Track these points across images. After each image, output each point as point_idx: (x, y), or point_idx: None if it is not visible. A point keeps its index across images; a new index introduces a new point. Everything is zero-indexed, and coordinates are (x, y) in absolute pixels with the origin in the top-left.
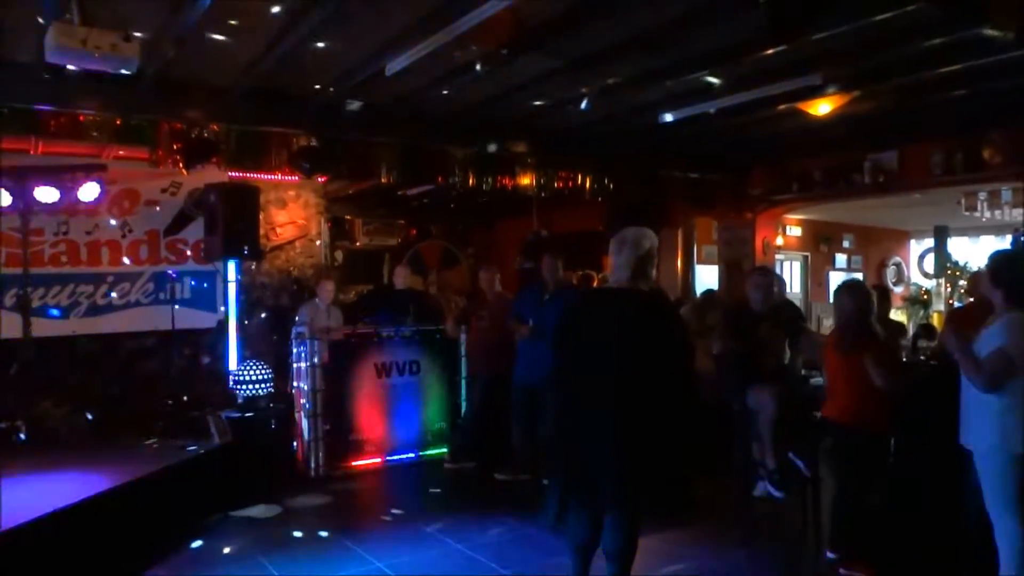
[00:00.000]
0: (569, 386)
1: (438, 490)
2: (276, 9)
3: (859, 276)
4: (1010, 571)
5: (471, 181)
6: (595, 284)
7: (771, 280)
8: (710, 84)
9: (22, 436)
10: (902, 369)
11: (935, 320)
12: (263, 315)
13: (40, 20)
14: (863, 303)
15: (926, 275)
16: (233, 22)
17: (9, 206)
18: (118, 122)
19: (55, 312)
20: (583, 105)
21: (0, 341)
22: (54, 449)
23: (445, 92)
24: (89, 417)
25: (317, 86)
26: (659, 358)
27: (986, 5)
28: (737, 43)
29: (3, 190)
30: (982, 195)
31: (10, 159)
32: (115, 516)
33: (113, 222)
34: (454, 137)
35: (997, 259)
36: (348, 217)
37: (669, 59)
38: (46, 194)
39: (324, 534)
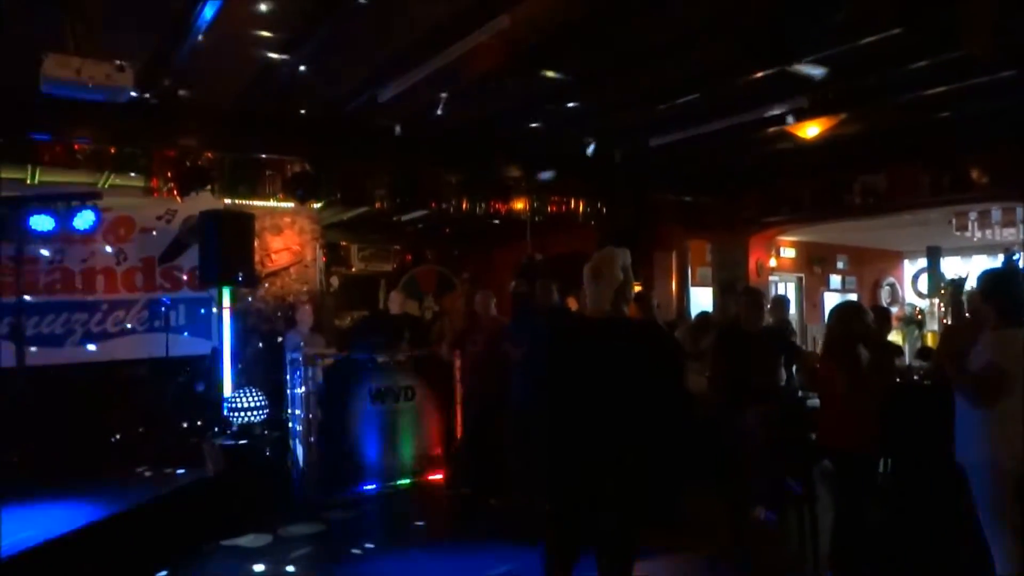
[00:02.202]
0: (553, 421)
1: (434, 517)
2: (269, 38)
3: (853, 297)
4: None
5: (464, 206)
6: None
7: (760, 301)
8: (700, 107)
9: (15, 465)
10: (884, 389)
11: (929, 340)
12: (258, 342)
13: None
14: (851, 324)
15: (920, 295)
16: (226, 51)
17: (5, 234)
18: (112, 151)
19: (50, 340)
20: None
21: None
22: (48, 477)
23: (437, 117)
24: (83, 445)
25: (310, 113)
26: (653, 391)
27: (959, 28)
28: (724, 67)
29: None
30: (972, 215)
31: (6, 188)
32: (108, 545)
33: (108, 249)
34: (448, 162)
35: (988, 278)
36: (343, 243)
37: (660, 83)
38: (41, 222)
39: (314, 565)
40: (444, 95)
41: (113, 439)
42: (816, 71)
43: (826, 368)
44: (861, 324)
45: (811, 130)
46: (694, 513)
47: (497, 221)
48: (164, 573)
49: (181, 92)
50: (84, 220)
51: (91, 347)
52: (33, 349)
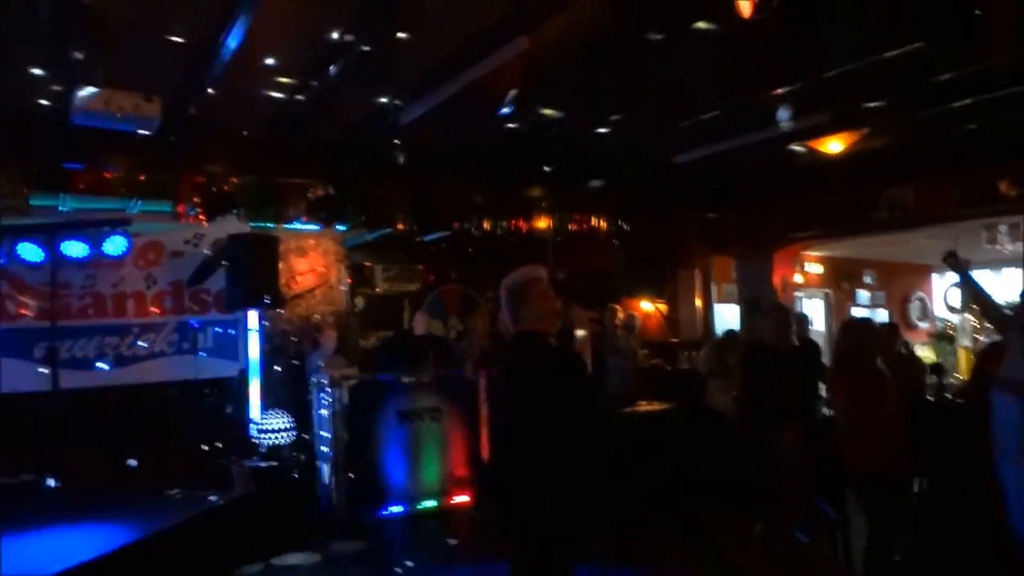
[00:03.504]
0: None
1: (466, 536)
2: (293, 63)
3: (882, 312)
4: None
5: (487, 226)
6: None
7: (787, 318)
8: (722, 123)
9: (50, 487)
10: (905, 407)
11: (961, 356)
12: (284, 364)
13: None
14: (861, 340)
15: (951, 310)
16: (251, 78)
17: (39, 261)
18: (142, 178)
19: (82, 364)
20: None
21: (30, 393)
22: (80, 500)
23: (459, 138)
24: (115, 467)
25: (333, 136)
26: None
27: (987, 39)
28: (747, 82)
29: (34, 245)
30: (1003, 227)
31: (39, 215)
32: (140, 568)
33: (138, 274)
34: (470, 182)
35: None
36: (368, 264)
37: (683, 99)
38: (74, 249)
39: None
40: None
41: (143, 461)
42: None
43: (838, 388)
44: (871, 340)
45: (834, 145)
46: (725, 535)
47: (518, 240)
48: None
49: (207, 119)
50: (115, 245)
51: (123, 370)
52: (67, 373)
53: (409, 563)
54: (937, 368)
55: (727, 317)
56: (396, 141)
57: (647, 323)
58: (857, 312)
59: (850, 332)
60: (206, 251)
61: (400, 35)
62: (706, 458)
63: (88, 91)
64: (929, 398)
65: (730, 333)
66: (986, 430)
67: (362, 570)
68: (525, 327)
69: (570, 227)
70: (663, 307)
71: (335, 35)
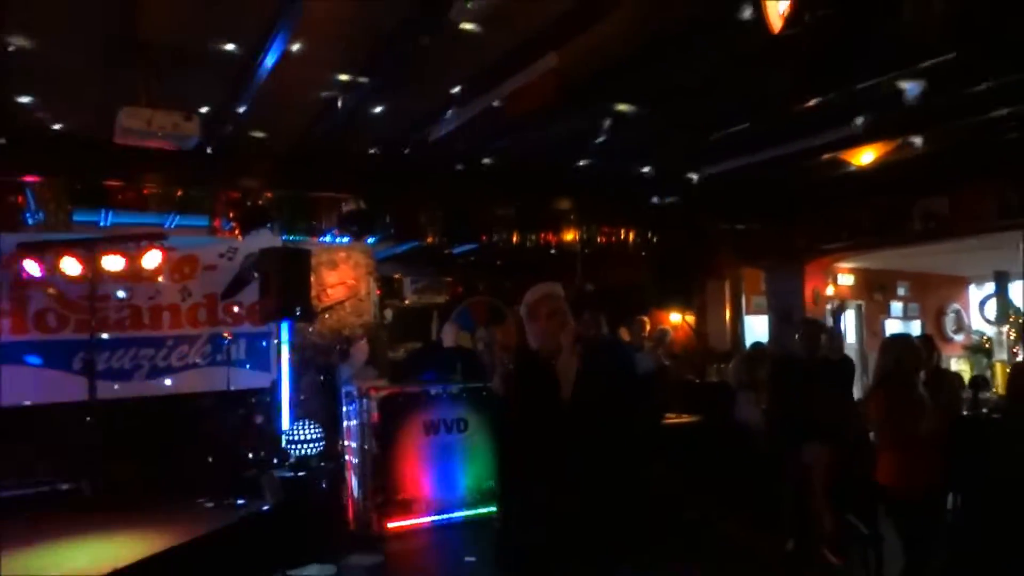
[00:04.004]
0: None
1: (488, 551)
2: (326, 81)
3: (916, 324)
4: None
5: (515, 238)
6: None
7: (817, 332)
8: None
9: (86, 496)
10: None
11: (998, 369)
12: (315, 375)
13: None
14: (901, 356)
15: (988, 322)
16: (284, 97)
17: (79, 274)
18: (179, 193)
19: (118, 375)
20: None
21: (68, 404)
22: (116, 508)
23: (488, 153)
24: (149, 476)
25: (364, 151)
26: None
27: None
28: (777, 94)
29: (75, 259)
30: None
31: (80, 230)
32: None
33: (174, 287)
34: (498, 195)
35: None
36: (397, 276)
37: (710, 112)
38: (112, 262)
39: None
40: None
41: (176, 470)
42: (911, 87)
43: (876, 404)
44: (912, 359)
45: (865, 156)
46: (754, 549)
47: (547, 252)
48: None
49: (243, 136)
50: (151, 259)
51: (157, 381)
52: (104, 383)
53: None
54: (977, 382)
55: (756, 329)
56: None
57: (675, 335)
58: (890, 324)
59: (890, 348)
60: (240, 265)
61: (431, 51)
62: (735, 473)
63: (131, 111)
64: (965, 413)
65: (757, 345)
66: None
67: None
68: (530, 343)
69: (599, 239)
70: (691, 319)
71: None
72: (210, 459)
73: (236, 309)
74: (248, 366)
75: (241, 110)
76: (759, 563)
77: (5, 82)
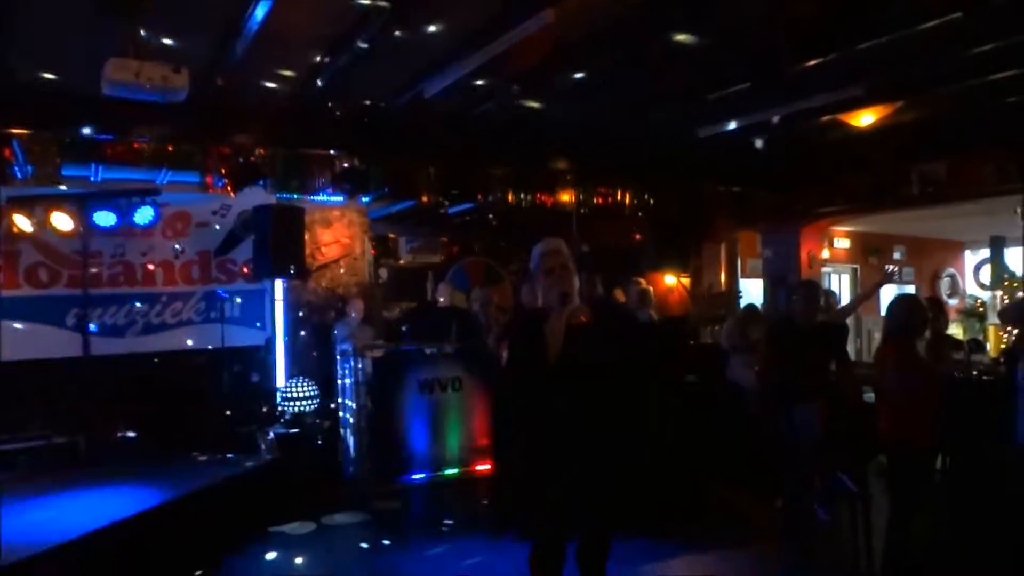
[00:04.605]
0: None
1: (482, 504)
2: (320, 35)
3: (911, 288)
4: None
5: (511, 198)
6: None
7: (815, 295)
8: (750, 97)
9: (81, 451)
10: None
11: (991, 333)
12: (310, 333)
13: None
14: (909, 318)
15: (983, 287)
16: (277, 50)
17: (70, 230)
18: (170, 148)
19: (112, 331)
20: None
21: (62, 359)
22: (111, 463)
23: (484, 110)
24: (143, 431)
25: (358, 109)
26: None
27: None
28: (779, 55)
29: (65, 215)
30: None
31: (71, 186)
32: (173, 527)
33: (167, 244)
34: (494, 155)
35: None
36: (392, 235)
37: (710, 72)
38: (104, 218)
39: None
40: (490, 90)
41: (171, 426)
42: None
43: (884, 360)
44: (920, 318)
45: (865, 118)
46: (744, 508)
47: (542, 213)
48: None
49: (234, 91)
50: (143, 216)
51: (151, 337)
52: (97, 339)
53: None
54: (971, 345)
55: (751, 292)
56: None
57: (669, 297)
58: (886, 289)
59: (899, 306)
60: (233, 222)
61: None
62: (727, 432)
63: (118, 62)
64: (959, 375)
65: (751, 307)
66: (1012, 407)
67: (349, 543)
68: (525, 300)
69: (595, 200)
70: (687, 281)
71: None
72: (205, 415)
73: (230, 266)
74: (243, 324)
75: (232, 64)
76: (749, 521)
77: None
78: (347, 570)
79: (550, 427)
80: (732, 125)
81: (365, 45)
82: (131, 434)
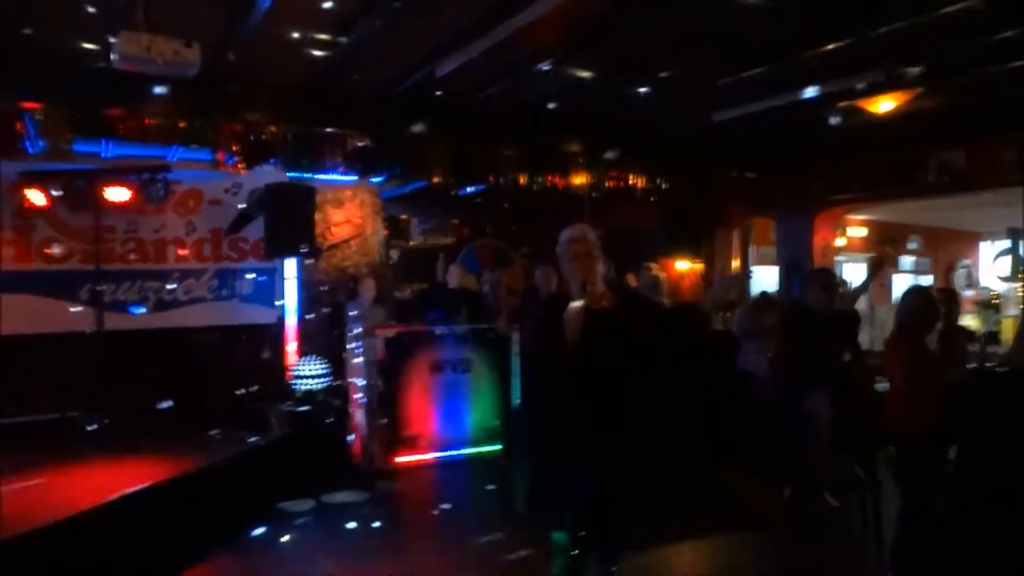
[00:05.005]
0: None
1: (490, 487)
2: (332, 12)
3: (928, 279)
4: None
5: (522, 180)
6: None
7: (832, 283)
8: (766, 81)
9: (94, 425)
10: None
11: (1007, 325)
12: (321, 311)
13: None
14: (923, 309)
15: (1000, 279)
16: (290, 27)
17: (83, 205)
18: (182, 124)
19: (124, 307)
20: None
21: (74, 333)
22: (123, 438)
23: (496, 92)
24: (155, 408)
25: (371, 87)
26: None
27: None
28: (795, 39)
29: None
30: None
31: (83, 161)
32: (184, 502)
33: (178, 221)
34: (506, 136)
35: None
36: (403, 216)
37: (724, 56)
38: (116, 194)
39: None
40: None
41: (182, 403)
42: None
43: (895, 351)
44: (932, 313)
45: (884, 105)
46: (753, 496)
47: (554, 196)
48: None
49: (246, 68)
50: (155, 192)
51: (163, 314)
52: (110, 315)
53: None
54: (987, 337)
55: (764, 280)
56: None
57: (681, 283)
58: (900, 279)
59: (912, 299)
60: (244, 200)
61: None
62: (737, 419)
63: (129, 35)
64: (972, 366)
65: (764, 294)
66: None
67: (340, 523)
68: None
69: (607, 184)
70: (699, 267)
71: None
72: (216, 392)
73: (242, 244)
74: (254, 302)
75: (244, 40)
76: (757, 508)
77: (4, 5)
78: (334, 548)
79: (573, 416)
80: (746, 110)
81: (378, 23)
82: (143, 409)
